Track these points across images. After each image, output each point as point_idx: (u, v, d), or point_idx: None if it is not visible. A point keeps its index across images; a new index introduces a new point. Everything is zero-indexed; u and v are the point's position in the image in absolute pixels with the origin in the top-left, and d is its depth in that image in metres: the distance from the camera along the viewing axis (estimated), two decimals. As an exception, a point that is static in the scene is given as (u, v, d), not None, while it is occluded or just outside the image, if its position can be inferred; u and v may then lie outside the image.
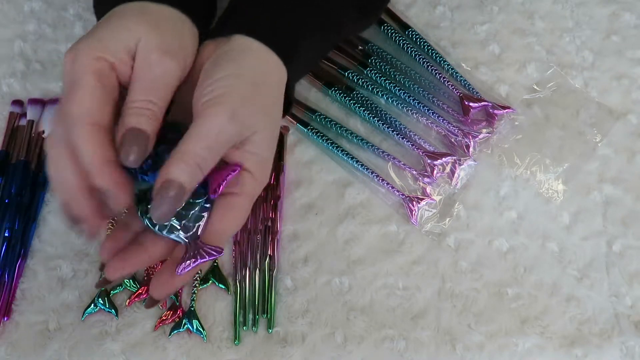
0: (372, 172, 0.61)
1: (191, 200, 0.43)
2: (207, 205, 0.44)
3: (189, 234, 0.43)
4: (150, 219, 0.43)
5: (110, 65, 0.43)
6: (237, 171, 0.43)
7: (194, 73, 0.47)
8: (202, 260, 0.42)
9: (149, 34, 0.44)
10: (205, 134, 0.42)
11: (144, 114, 0.42)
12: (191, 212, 0.43)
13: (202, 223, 0.43)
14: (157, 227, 0.43)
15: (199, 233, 0.43)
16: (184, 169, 0.40)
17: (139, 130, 0.42)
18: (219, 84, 0.44)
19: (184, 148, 0.41)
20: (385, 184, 0.61)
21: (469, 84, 0.66)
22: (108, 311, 0.55)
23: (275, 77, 0.48)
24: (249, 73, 0.46)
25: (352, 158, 0.62)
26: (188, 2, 0.49)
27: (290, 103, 0.52)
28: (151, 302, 0.46)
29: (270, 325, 0.55)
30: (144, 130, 0.42)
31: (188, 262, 0.42)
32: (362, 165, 0.62)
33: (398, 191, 0.61)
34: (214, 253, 0.42)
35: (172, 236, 0.43)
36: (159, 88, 0.44)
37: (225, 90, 0.43)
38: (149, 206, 0.41)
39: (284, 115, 0.51)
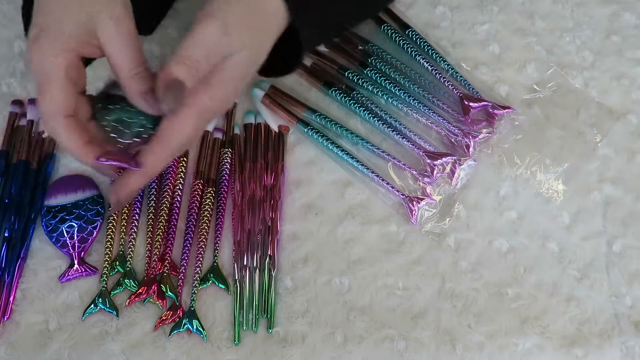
0: (372, 172, 0.61)
1: (141, 117, 0.50)
2: (149, 128, 0.50)
3: (125, 141, 0.50)
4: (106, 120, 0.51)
5: (77, 55, 0.47)
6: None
7: None
8: (118, 163, 0.49)
9: (103, 18, 0.47)
10: (201, 42, 0.47)
11: (144, 77, 0.49)
12: (132, 127, 0.50)
13: (137, 140, 0.50)
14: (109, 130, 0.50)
15: (130, 141, 0.50)
16: (184, 70, 0.47)
17: (150, 91, 0.48)
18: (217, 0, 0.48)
19: (183, 53, 0.47)
20: (385, 184, 0.61)
21: (469, 84, 0.66)
22: (109, 311, 0.55)
23: (272, 8, 0.51)
24: None
25: (352, 158, 0.62)
26: None
27: (299, 54, 0.54)
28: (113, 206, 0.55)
29: (270, 325, 0.55)
30: (147, 89, 0.48)
31: (108, 157, 0.49)
32: (362, 165, 0.62)
33: (398, 191, 0.61)
34: (134, 165, 0.49)
35: (115, 135, 0.50)
36: (133, 51, 0.49)
37: (221, 4, 0.48)
38: (106, 108, 0.50)
39: (293, 70, 0.55)
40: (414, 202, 0.60)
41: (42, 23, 0.47)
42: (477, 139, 0.63)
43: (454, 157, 0.62)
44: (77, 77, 0.48)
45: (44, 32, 0.47)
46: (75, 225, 0.58)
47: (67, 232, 0.58)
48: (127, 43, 0.49)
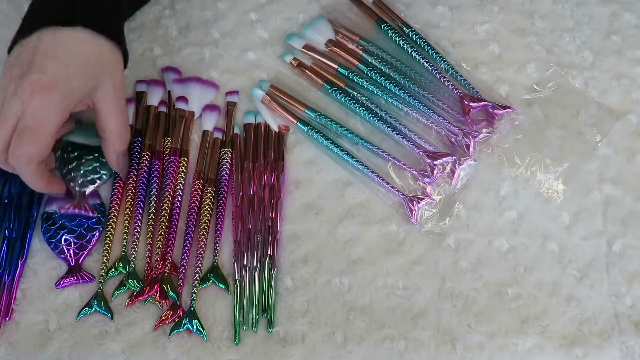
0: (372, 172, 0.61)
1: (96, 164, 0.59)
2: (104, 174, 0.60)
3: (80, 189, 0.59)
4: (61, 171, 0.59)
5: (71, 111, 0.52)
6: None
7: None
8: (78, 212, 0.58)
9: (107, 81, 0.53)
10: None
11: (126, 139, 0.57)
12: (89, 175, 0.59)
13: (92, 188, 0.59)
14: (67, 177, 0.58)
15: (87, 193, 0.59)
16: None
17: (126, 152, 0.58)
18: None
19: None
20: (385, 184, 0.61)
21: (469, 84, 0.66)
22: (103, 313, 0.55)
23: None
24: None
25: (352, 158, 0.62)
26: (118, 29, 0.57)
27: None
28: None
29: (270, 325, 0.55)
30: (124, 150, 0.58)
31: (69, 206, 0.58)
32: (362, 165, 0.62)
33: (398, 191, 0.61)
34: (91, 214, 0.58)
35: (72, 184, 0.58)
36: (125, 116, 0.56)
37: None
38: (67, 158, 0.59)
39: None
40: (414, 202, 0.60)
41: (55, 75, 0.50)
42: (477, 139, 0.63)
43: (454, 157, 0.62)
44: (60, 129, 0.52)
45: (56, 86, 0.49)
46: (75, 233, 0.58)
47: (66, 240, 0.58)
48: (121, 108, 0.55)
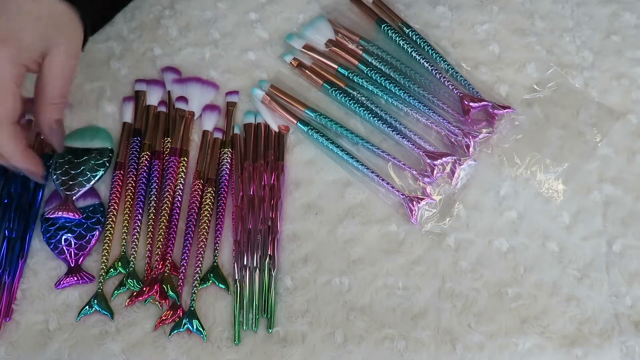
0: (372, 172, 0.61)
1: (83, 167, 0.60)
2: (92, 176, 0.60)
3: (67, 193, 0.59)
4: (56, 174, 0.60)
5: (26, 68, 0.51)
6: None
7: None
8: (64, 214, 0.57)
9: (61, 43, 0.52)
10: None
11: (62, 108, 0.55)
12: (78, 178, 0.60)
13: (80, 189, 0.59)
14: (57, 181, 0.59)
15: (73, 197, 0.59)
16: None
17: (61, 121, 0.55)
18: None
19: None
20: (385, 184, 0.61)
21: (469, 84, 0.66)
22: (104, 313, 0.55)
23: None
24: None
25: (352, 158, 0.62)
26: None
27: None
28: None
29: (270, 325, 0.55)
30: (62, 120, 0.56)
31: (55, 210, 0.58)
32: (362, 165, 0.62)
33: (398, 191, 0.61)
34: (75, 216, 0.58)
35: (59, 188, 0.59)
36: (68, 84, 0.54)
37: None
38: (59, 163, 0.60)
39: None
40: (414, 202, 0.60)
41: (5, 29, 0.50)
42: (477, 139, 0.63)
43: (454, 157, 0.62)
44: (21, 85, 0.52)
45: (7, 40, 0.49)
46: (74, 233, 0.58)
47: (65, 240, 0.58)
48: (66, 76, 0.54)
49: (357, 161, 0.62)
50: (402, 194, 0.61)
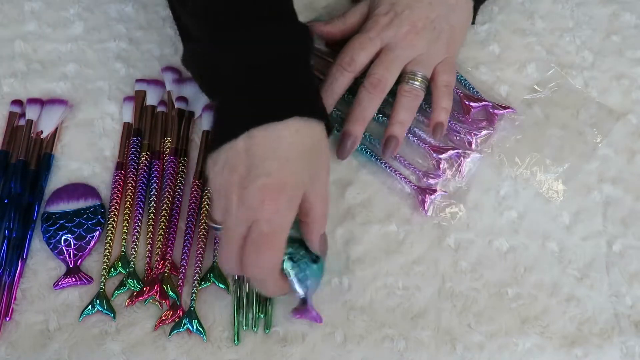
0: (383, 163, 0.61)
1: (308, 271, 0.53)
2: (315, 280, 0.54)
3: (303, 294, 0.53)
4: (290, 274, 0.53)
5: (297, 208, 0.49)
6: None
7: None
8: (305, 317, 0.54)
9: (323, 165, 0.51)
10: None
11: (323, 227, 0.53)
12: (305, 281, 0.53)
13: (309, 291, 0.54)
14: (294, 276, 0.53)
15: (308, 297, 0.54)
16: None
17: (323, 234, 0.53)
18: None
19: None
20: (397, 175, 0.61)
21: (469, 84, 0.66)
22: (106, 313, 0.55)
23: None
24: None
25: (362, 146, 0.62)
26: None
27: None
28: None
29: (267, 325, 0.55)
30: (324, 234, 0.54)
31: (297, 313, 0.54)
32: (371, 154, 0.62)
33: (410, 182, 0.61)
34: (316, 319, 0.55)
35: (296, 287, 0.53)
36: (328, 202, 0.52)
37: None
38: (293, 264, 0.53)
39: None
40: (427, 194, 0.60)
41: (280, 175, 0.47)
42: (478, 136, 0.63)
43: (459, 151, 0.62)
44: None
45: (285, 186, 0.47)
46: (74, 233, 0.58)
47: (65, 241, 0.58)
48: (328, 187, 0.51)
49: (368, 151, 0.62)
50: (415, 186, 0.61)
